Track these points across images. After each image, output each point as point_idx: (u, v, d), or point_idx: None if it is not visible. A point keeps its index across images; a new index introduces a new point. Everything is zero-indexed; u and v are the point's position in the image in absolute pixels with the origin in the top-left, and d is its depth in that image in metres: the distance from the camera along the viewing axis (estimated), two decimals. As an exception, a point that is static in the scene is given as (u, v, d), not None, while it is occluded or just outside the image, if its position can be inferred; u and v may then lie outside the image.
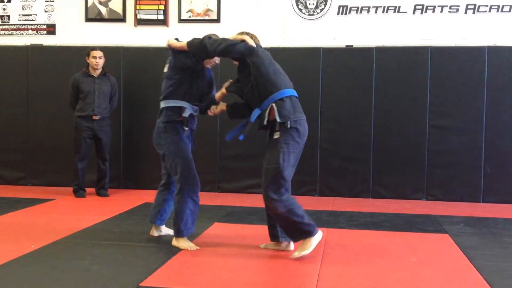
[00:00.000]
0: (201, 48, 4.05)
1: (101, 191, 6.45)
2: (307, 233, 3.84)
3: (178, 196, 4.09)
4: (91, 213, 5.46)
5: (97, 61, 6.38)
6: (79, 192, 6.38)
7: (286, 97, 3.87)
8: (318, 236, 3.88)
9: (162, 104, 4.26)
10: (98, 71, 6.44)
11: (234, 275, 3.51)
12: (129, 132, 6.99)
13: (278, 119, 3.79)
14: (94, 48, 6.43)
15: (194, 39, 4.12)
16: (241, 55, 3.97)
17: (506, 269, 3.76)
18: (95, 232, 4.63)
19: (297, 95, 3.98)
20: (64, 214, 5.43)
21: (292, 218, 3.79)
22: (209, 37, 4.10)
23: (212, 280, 3.43)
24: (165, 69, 4.29)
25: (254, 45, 4.01)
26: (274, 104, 3.83)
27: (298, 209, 3.84)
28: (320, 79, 6.60)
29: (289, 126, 3.80)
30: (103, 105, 6.41)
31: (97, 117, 6.35)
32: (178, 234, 4.10)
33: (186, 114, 4.11)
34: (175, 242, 4.13)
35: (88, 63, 6.42)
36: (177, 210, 4.10)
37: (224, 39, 4.07)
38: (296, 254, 3.83)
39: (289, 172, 3.83)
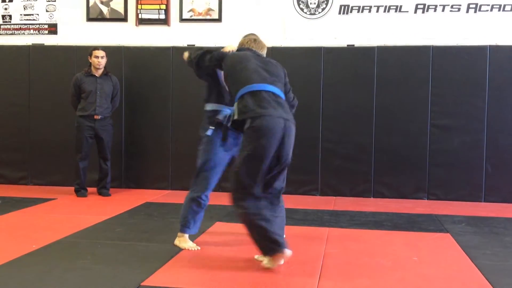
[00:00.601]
0: (189, 61, 4.09)
1: (103, 191, 6.46)
2: (267, 250, 3.52)
3: (188, 193, 4.09)
4: (92, 212, 5.47)
5: (99, 60, 6.38)
6: (80, 191, 6.39)
7: (249, 93, 3.57)
8: (282, 256, 3.49)
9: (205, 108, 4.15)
10: (100, 71, 6.45)
11: (235, 274, 3.51)
12: (130, 131, 6.99)
13: (235, 117, 3.62)
14: (96, 48, 6.42)
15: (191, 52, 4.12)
16: (216, 61, 3.90)
17: (507, 268, 3.76)
18: (97, 232, 4.63)
19: (271, 90, 3.61)
20: (65, 214, 5.43)
21: (250, 229, 3.52)
22: (199, 48, 4.07)
23: (213, 279, 3.43)
24: None
25: (230, 50, 3.93)
26: (236, 103, 3.64)
27: (262, 221, 3.46)
28: (321, 78, 6.59)
29: (247, 125, 3.51)
30: (104, 104, 6.41)
31: (99, 117, 6.35)
32: (180, 230, 4.12)
33: (220, 116, 3.93)
34: (176, 242, 4.13)
35: (90, 63, 6.42)
36: (183, 206, 4.10)
37: (203, 49, 4.03)
38: (264, 263, 3.61)
39: (250, 177, 3.49)
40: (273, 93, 3.62)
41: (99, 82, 6.41)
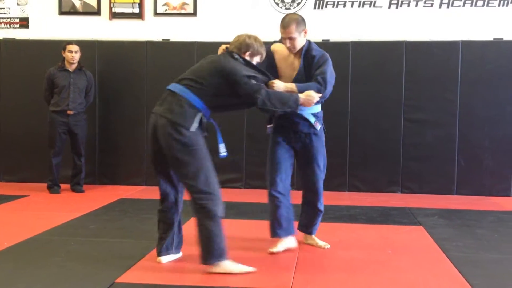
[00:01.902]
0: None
1: (76, 187, 6.38)
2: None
3: None
4: (66, 209, 5.40)
5: (73, 55, 6.29)
6: (53, 188, 6.30)
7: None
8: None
9: None
10: (74, 66, 6.35)
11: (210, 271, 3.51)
12: (104, 126, 6.92)
13: None
14: (70, 42, 6.33)
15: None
16: None
17: (478, 259, 3.83)
18: (70, 229, 4.58)
19: (169, 87, 3.47)
20: (38, 211, 5.35)
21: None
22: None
23: (188, 275, 3.42)
24: None
25: None
26: None
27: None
28: (296, 73, 6.61)
29: None
30: (78, 100, 6.33)
31: (72, 112, 6.26)
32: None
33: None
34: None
35: (64, 57, 6.33)
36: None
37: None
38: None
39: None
40: (169, 90, 3.45)
41: (72, 77, 6.31)
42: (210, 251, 3.35)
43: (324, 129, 4.02)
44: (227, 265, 3.40)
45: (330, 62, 3.84)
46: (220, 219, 3.37)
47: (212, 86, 3.38)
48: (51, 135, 6.30)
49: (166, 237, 3.63)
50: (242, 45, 3.56)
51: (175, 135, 3.28)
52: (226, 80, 3.37)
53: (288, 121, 3.85)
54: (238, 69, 3.39)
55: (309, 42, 3.89)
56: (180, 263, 3.65)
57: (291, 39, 3.74)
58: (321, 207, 4.06)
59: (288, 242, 3.94)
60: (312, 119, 3.88)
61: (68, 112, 6.25)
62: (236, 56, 3.53)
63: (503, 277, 3.48)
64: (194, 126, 3.31)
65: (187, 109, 3.32)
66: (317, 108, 3.93)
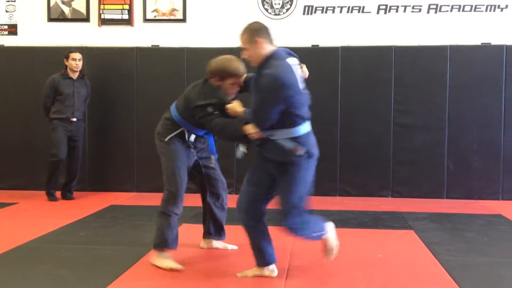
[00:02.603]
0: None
1: (67, 194, 6.34)
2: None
3: None
4: (56, 216, 5.37)
5: (77, 63, 6.25)
6: (54, 196, 6.25)
7: None
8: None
9: None
10: (77, 74, 6.31)
11: (201, 277, 3.50)
12: (94, 133, 6.88)
13: None
14: (73, 50, 6.30)
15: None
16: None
17: (469, 263, 3.85)
18: (60, 236, 4.55)
19: (170, 107, 3.92)
20: (28, 218, 5.32)
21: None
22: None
23: (178, 283, 3.41)
24: None
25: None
26: None
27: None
28: (286, 78, 6.62)
29: None
30: (81, 108, 6.34)
31: (75, 120, 6.25)
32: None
33: None
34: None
35: (66, 65, 6.26)
36: None
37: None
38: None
39: None
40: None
41: (76, 85, 6.29)
42: (154, 238, 3.79)
43: (308, 153, 3.38)
44: (160, 257, 3.72)
45: (271, 89, 3.15)
46: (168, 216, 3.74)
47: (187, 109, 3.75)
48: (57, 142, 6.21)
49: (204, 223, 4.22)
50: (210, 71, 3.71)
51: (156, 142, 3.92)
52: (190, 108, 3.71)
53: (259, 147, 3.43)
54: (194, 99, 3.67)
55: (271, 55, 3.31)
56: (171, 271, 3.63)
57: (243, 49, 3.36)
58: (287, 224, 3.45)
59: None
60: (290, 145, 3.31)
61: (72, 119, 6.22)
62: (208, 82, 3.73)
63: (493, 280, 3.50)
64: (169, 137, 3.80)
65: (168, 124, 3.85)
66: (296, 131, 3.33)
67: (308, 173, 3.43)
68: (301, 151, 3.31)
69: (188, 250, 4.11)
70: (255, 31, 3.34)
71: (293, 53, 3.48)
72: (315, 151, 3.45)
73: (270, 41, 3.36)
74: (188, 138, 3.82)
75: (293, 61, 3.36)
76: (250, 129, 3.32)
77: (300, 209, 3.40)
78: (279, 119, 3.24)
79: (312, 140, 3.45)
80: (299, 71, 3.41)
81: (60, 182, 6.39)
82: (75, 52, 6.28)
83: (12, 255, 3.95)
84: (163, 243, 3.73)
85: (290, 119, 3.29)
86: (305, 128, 3.38)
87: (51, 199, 6.23)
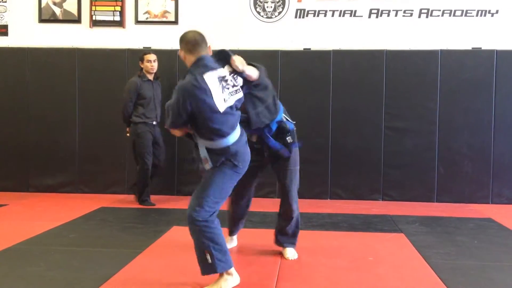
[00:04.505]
0: None
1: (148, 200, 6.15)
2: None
3: None
4: (45, 218, 5.33)
5: (152, 64, 6.09)
6: (147, 201, 6.13)
7: None
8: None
9: None
10: (152, 75, 6.17)
11: (191, 280, 3.49)
12: (84, 135, 6.85)
13: None
14: (147, 52, 6.17)
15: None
16: None
17: (459, 266, 3.86)
18: (50, 238, 4.52)
19: None
20: (17, 220, 5.28)
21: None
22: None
23: (169, 285, 3.40)
24: None
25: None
26: None
27: None
28: (278, 81, 6.63)
29: None
30: (159, 110, 6.20)
31: (155, 123, 6.15)
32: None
33: None
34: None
35: (142, 68, 6.12)
36: None
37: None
38: None
39: None
40: None
41: (154, 87, 6.20)
42: None
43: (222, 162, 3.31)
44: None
45: (176, 97, 3.17)
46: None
47: None
48: (144, 147, 6.06)
49: None
50: None
51: None
52: None
53: None
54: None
55: (189, 68, 3.30)
56: (163, 273, 3.62)
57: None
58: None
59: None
60: (203, 155, 3.33)
61: (154, 123, 6.14)
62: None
63: (483, 283, 3.52)
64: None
65: None
66: (211, 145, 3.29)
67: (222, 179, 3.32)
68: (207, 166, 3.30)
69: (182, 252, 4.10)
70: (181, 41, 3.35)
71: (229, 56, 3.39)
72: (239, 163, 3.32)
73: (189, 50, 3.30)
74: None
75: (215, 74, 3.23)
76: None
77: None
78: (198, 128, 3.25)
79: (238, 154, 3.31)
80: (228, 81, 3.30)
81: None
82: (149, 53, 6.12)
83: (1, 257, 3.92)
84: None
85: (205, 133, 3.25)
86: (225, 142, 3.27)
87: (150, 204, 6.08)
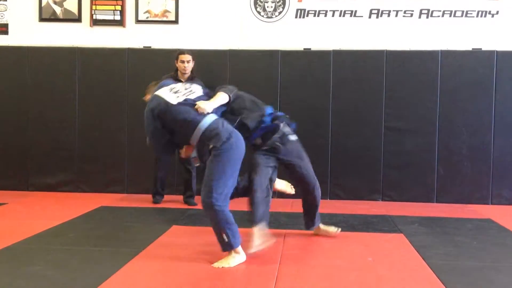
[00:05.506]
0: None
1: (190, 200, 6.19)
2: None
3: None
4: (45, 217, 5.33)
5: (185, 65, 5.88)
6: (156, 197, 6.24)
7: None
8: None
9: None
10: (186, 76, 5.99)
11: (191, 279, 3.49)
12: (84, 134, 6.85)
13: None
14: (182, 52, 5.93)
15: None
16: None
17: (458, 267, 3.86)
18: (49, 237, 4.52)
19: None
20: (16, 219, 5.28)
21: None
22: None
23: (168, 285, 3.40)
24: None
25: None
26: None
27: None
28: (278, 81, 6.63)
29: None
30: None
31: None
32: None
33: None
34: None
35: (177, 67, 5.99)
36: None
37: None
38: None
39: None
40: None
41: None
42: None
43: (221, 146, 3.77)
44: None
45: (145, 119, 3.90)
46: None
47: None
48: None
49: None
50: None
51: None
52: None
53: None
54: None
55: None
56: (163, 271, 3.62)
57: None
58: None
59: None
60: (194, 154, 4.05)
61: None
62: None
63: (482, 284, 3.52)
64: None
65: None
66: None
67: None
68: (197, 164, 4.12)
69: (181, 250, 4.10)
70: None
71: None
72: (225, 144, 3.79)
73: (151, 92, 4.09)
74: None
75: (166, 88, 3.94)
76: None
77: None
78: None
79: (219, 135, 3.78)
80: (179, 90, 3.95)
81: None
82: (183, 53, 5.90)
83: (0, 255, 3.92)
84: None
85: (183, 131, 3.85)
86: (200, 130, 3.82)
87: (154, 201, 6.22)
